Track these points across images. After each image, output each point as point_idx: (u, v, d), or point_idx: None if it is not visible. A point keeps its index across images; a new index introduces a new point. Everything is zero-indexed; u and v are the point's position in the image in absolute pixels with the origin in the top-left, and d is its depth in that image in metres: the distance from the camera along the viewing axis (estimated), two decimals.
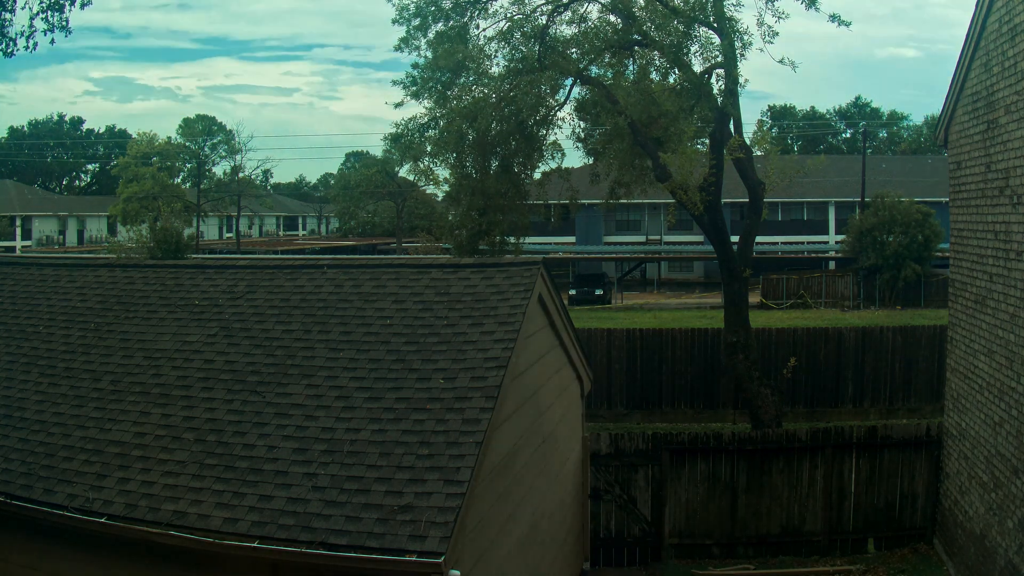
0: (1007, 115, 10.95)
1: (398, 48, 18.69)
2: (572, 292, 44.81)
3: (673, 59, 17.45)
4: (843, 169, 57.20)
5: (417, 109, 48.87)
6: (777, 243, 53.83)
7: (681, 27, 17.04)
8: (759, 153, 19.32)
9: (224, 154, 70.91)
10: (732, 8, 16.75)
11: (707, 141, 19.16)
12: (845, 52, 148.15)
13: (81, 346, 9.89)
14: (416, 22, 18.38)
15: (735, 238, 18.99)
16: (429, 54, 18.42)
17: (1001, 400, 11.26)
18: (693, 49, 17.52)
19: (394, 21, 18.44)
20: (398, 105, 19.18)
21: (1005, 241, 11.15)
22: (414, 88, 18.61)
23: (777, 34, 16.44)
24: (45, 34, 12.74)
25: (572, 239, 55.54)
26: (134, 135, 71.63)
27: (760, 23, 16.56)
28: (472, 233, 19.64)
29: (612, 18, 18.30)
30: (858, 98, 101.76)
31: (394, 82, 18.98)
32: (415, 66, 18.63)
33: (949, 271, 13.99)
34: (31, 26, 12.59)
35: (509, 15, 18.09)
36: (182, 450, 8.02)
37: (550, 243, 52.99)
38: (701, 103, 18.19)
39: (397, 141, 19.31)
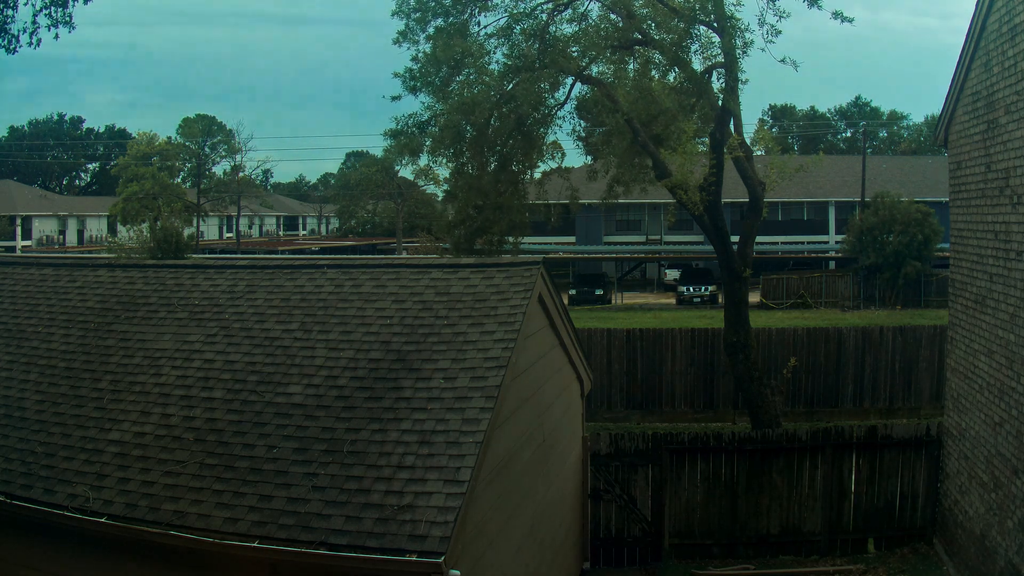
0: (1007, 115, 10.95)
1: (396, 42, 18.66)
2: (572, 292, 44.83)
3: (673, 58, 17.45)
4: (843, 169, 57.21)
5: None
6: (777, 243, 53.81)
7: (682, 26, 17.05)
8: (759, 152, 19.31)
9: (224, 154, 70.91)
10: (733, 7, 16.76)
11: (707, 140, 19.17)
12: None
13: (81, 346, 9.88)
14: (416, 16, 18.37)
15: (735, 238, 18.98)
16: (428, 49, 18.42)
17: (1001, 400, 11.26)
18: (693, 48, 17.56)
19: (393, 14, 18.45)
20: (395, 99, 19.20)
21: (1005, 241, 11.15)
22: (412, 83, 18.60)
23: (780, 32, 16.44)
24: (49, 30, 12.63)
25: (572, 239, 55.51)
26: (134, 135, 71.66)
27: (762, 22, 16.57)
28: (469, 231, 19.62)
29: (613, 16, 18.30)
30: (858, 98, 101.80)
31: (395, 75, 18.97)
32: (414, 59, 18.62)
33: (949, 271, 13.99)
34: (34, 22, 12.49)
35: (509, 10, 18.11)
36: (182, 450, 8.01)
37: (550, 243, 52.95)
38: (701, 102, 18.19)
39: (396, 137, 19.31)
